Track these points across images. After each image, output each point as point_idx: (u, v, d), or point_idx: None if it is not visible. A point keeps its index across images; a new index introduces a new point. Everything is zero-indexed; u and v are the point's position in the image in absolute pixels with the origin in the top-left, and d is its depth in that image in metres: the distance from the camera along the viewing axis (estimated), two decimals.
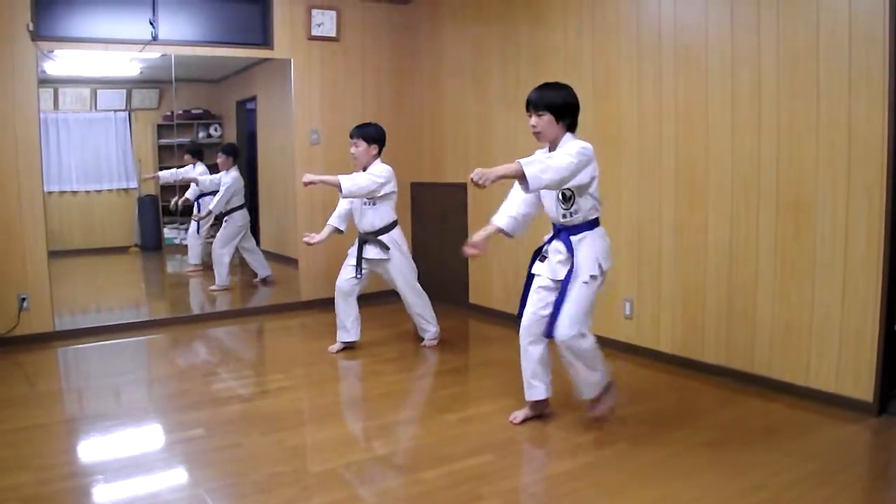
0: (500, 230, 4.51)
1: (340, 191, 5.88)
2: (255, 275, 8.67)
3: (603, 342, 6.02)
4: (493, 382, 5.44)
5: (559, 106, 4.23)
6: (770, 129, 4.93)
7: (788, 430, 4.39)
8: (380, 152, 6.16)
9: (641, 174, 5.80)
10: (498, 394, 5.15)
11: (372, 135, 6.11)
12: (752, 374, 5.17)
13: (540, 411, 4.65)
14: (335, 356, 6.20)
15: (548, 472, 4.00)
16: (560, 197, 4.29)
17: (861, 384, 4.59)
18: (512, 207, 4.53)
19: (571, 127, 4.31)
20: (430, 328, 6.47)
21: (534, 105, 4.28)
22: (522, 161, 3.89)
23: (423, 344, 6.46)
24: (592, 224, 4.34)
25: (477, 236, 4.42)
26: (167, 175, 8.35)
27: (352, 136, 6.14)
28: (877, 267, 4.44)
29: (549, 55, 6.55)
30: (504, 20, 7.05)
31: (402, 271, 6.27)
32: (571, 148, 4.04)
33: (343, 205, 6.32)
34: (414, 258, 8.46)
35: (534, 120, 4.29)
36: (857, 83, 4.44)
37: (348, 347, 6.33)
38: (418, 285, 6.39)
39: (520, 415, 4.61)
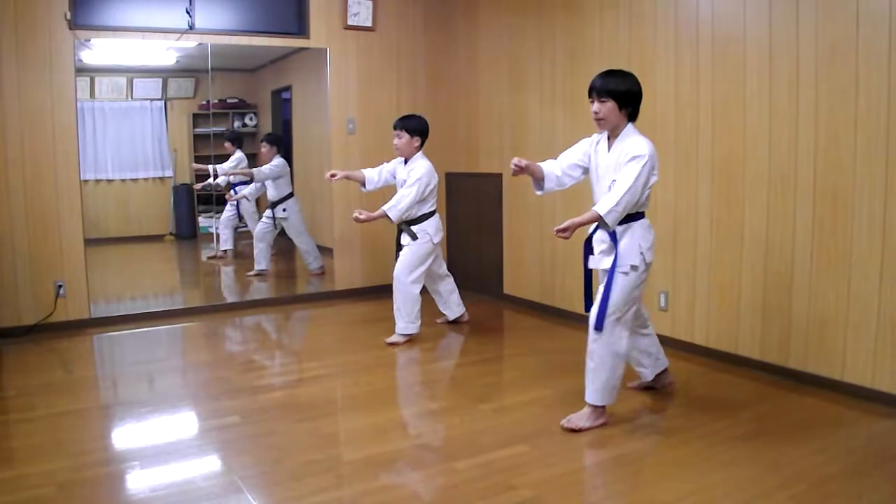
0: (539, 169, 4.50)
1: (392, 220, 6.08)
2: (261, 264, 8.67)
3: None
4: (527, 373, 5.44)
5: (623, 93, 4.20)
6: (808, 121, 4.88)
7: (824, 425, 4.35)
8: (422, 144, 6.23)
9: (678, 166, 5.76)
10: (532, 384, 5.14)
11: (415, 127, 6.18)
12: (788, 368, 5.13)
13: (660, 384, 4.98)
14: (371, 344, 6.22)
15: (581, 463, 3.98)
16: (611, 189, 4.24)
17: None
18: (557, 167, 4.53)
19: (633, 115, 4.29)
20: (399, 321, 6.29)
21: (597, 91, 4.23)
22: (599, 210, 4.06)
23: (386, 340, 6.29)
24: (637, 216, 4.28)
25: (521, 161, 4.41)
26: (226, 167, 8.40)
27: (395, 128, 6.22)
28: None
29: (586, 46, 6.52)
30: (540, 11, 7.02)
31: (404, 255, 6.24)
32: (633, 168, 4.09)
33: (386, 180, 6.42)
34: (449, 249, 8.51)
35: (596, 106, 4.24)
36: None
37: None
38: (407, 279, 6.21)
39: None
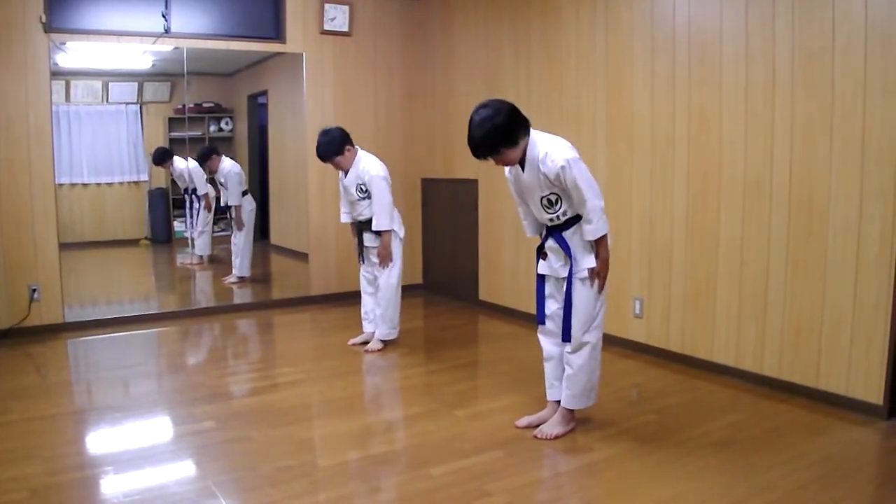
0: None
1: (387, 229, 5.94)
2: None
3: (613, 341, 6.02)
4: (502, 379, 5.44)
5: (507, 136, 3.96)
6: (783, 127, 4.91)
7: (798, 432, 4.38)
8: (352, 144, 5.94)
9: (653, 172, 5.79)
10: (507, 391, 5.15)
11: (338, 145, 5.86)
12: (762, 375, 5.16)
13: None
14: (346, 350, 6.21)
15: (556, 469, 3.99)
16: (545, 203, 4.12)
17: (871, 387, 4.57)
18: (531, 219, 4.39)
19: (525, 130, 4.04)
20: (383, 327, 6.24)
21: (485, 153, 3.99)
22: (588, 238, 4.05)
23: (366, 349, 6.22)
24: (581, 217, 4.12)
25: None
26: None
27: (325, 160, 5.96)
28: (888, 269, 4.42)
29: (562, 51, 6.53)
30: (516, 16, 7.04)
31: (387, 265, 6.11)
32: (585, 177, 3.96)
33: (343, 198, 6.23)
34: (424, 255, 8.50)
35: (496, 163, 4.07)
36: (872, 83, 4.42)
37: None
38: (396, 280, 6.16)
39: (527, 419, 4.54)
